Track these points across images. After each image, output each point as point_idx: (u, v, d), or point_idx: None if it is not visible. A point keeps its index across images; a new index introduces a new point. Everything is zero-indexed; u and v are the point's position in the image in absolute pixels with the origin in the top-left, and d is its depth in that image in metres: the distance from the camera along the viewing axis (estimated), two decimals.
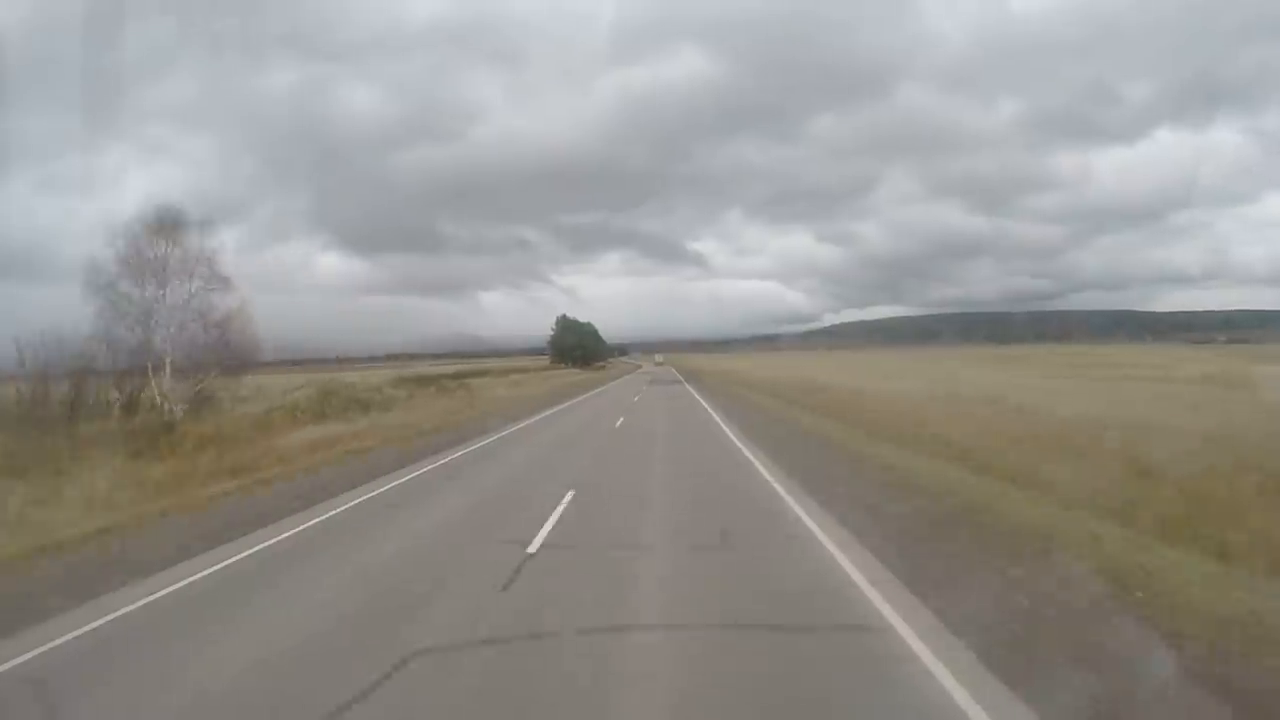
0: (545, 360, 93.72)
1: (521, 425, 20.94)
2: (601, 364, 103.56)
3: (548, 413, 25.83)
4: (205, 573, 6.51)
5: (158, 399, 19.35)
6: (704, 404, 27.15)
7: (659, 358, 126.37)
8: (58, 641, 4.88)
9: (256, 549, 7.36)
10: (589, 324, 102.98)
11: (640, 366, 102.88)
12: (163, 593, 5.94)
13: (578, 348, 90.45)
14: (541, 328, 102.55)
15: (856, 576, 5.82)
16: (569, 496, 9.38)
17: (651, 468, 12.41)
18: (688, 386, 40.93)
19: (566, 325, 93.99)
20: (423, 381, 41.32)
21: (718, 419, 20.74)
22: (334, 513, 9.13)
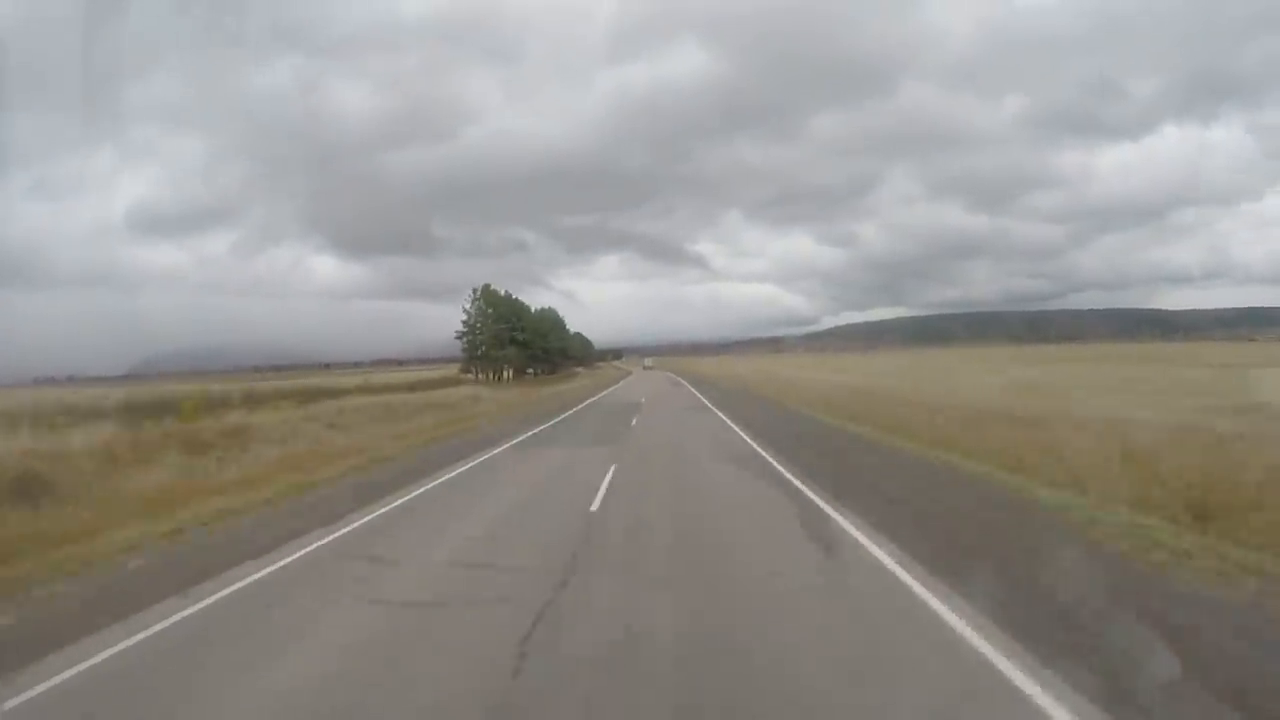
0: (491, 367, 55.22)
1: None
2: (576, 368, 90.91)
3: None
4: None
5: None
6: None
7: (648, 361, 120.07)
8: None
9: None
10: (549, 309, 70.23)
11: (630, 373, 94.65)
12: None
13: (506, 345, 52.87)
14: None
15: None
16: None
17: None
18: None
19: (490, 305, 53.48)
20: None
21: None
22: None
